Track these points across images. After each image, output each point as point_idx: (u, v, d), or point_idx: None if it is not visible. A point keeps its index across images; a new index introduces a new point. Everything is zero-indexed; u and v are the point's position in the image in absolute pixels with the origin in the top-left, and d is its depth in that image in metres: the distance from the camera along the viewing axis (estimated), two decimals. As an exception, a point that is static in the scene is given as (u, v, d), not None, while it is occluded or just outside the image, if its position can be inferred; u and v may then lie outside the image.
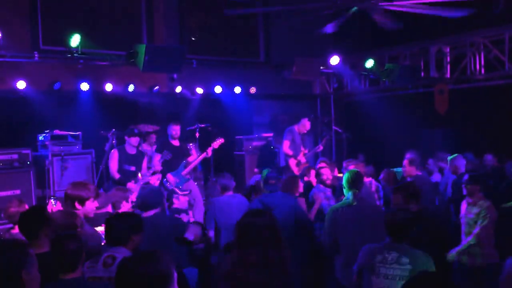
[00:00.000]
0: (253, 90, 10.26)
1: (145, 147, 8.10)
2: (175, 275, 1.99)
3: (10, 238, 2.95)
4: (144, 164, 6.94)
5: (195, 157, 7.65)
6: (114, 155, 6.76)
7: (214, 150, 7.75)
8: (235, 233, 2.85)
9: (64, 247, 2.85)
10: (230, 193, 5.51)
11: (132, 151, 6.86)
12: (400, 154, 7.26)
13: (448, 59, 9.05)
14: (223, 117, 10.03)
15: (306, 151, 8.96)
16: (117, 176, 6.64)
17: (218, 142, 7.74)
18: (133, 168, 6.72)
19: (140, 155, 6.97)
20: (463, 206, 5.07)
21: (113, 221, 3.37)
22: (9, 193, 6.19)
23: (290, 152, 8.60)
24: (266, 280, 2.69)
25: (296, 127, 8.74)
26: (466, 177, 5.10)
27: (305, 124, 8.75)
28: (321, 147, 9.25)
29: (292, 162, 8.56)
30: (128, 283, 1.91)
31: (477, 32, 8.57)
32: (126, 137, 6.84)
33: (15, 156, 6.47)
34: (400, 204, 3.97)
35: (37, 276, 2.26)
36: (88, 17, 8.84)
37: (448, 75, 9.09)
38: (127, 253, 3.12)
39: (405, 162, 6.48)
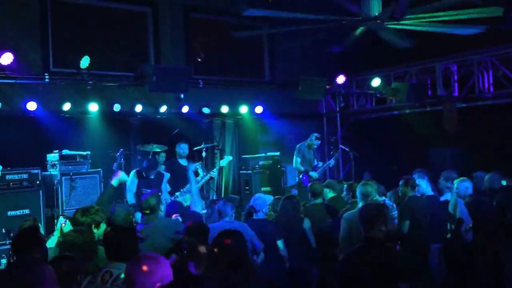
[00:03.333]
0: (259, 109, 10.31)
1: None
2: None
3: (26, 256, 2.99)
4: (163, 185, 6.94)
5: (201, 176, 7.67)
6: (134, 178, 6.69)
7: (221, 169, 7.76)
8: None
9: (60, 268, 2.85)
10: (227, 219, 5.08)
11: (151, 175, 6.84)
12: (408, 173, 7.22)
13: (456, 77, 9.08)
14: (230, 136, 10.07)
15: (320, 164, 9.04)
16: (132, 201, 6.58)
17: (225, 160, 7.77)
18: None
19: (159, 177, 6.93)
20: None
21: (110, 235, 3.32)
22: (18, 212, 6.20)
23: (302, 168, 8.72)
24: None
25: (306, 143, 8.88)
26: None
27: (314, 139, 8.89)
28: (332, 162, 9.28)
29: (304, 178, 8.65)
30: None
31: (484, 50, 8.60)
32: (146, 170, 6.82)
33: (25, 176, 6.50)
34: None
35: None
36: (96, 40, 8.96)
37: (456, 93, 9.10)
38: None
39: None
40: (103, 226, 4.01)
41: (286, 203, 5.60)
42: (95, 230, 3.96)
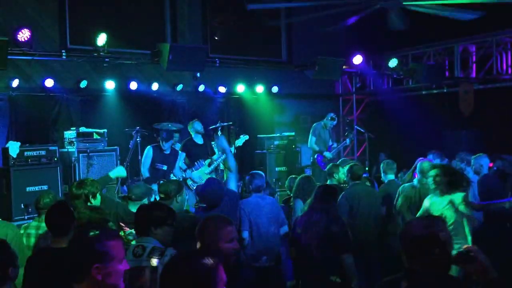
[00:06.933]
0: (275, 89, 10.29)
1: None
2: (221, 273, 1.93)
3: None
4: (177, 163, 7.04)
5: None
6: (149, 153, 6.82)
7: (237, 148, 7.80)
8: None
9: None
10: (260, 194, 5.15)
11: (166, 150, 6.95)
12: (422, 155, 7.18)
13: (474, 58, 8.92)
14: (245, 116, 10.09)
15: (335, 145, 9.02)
16: (146, 174, 6.73)
17: (241, 140, 7.80)
18: (165, 168, 6.81)
19: (174, 154, 7.03)
20: None
21: (138, 211, 3.40)
22: (37, 188, 6.34)
23: (316, 148, 8.73)
24: None
25: (322, 123, 8.87)
26: None
27: (330, 119, 8.87)
28: (347, 143, 9.25)
29: (319, 158, 8.67)
30: (173, 279, 1.88)
31: (504, 32, 8.43)
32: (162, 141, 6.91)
33: (43, 153, 6.59)
34: None
35: (18, 271, 2.58)
36: (114, 17, 8.98)
37: (474, 75, 8.96)
38: (157, 244, 3.12)
39: None
40: (99, 197, 4.14)
41: (302, 182, 5.60)
42: (92, 201, 4.06)
